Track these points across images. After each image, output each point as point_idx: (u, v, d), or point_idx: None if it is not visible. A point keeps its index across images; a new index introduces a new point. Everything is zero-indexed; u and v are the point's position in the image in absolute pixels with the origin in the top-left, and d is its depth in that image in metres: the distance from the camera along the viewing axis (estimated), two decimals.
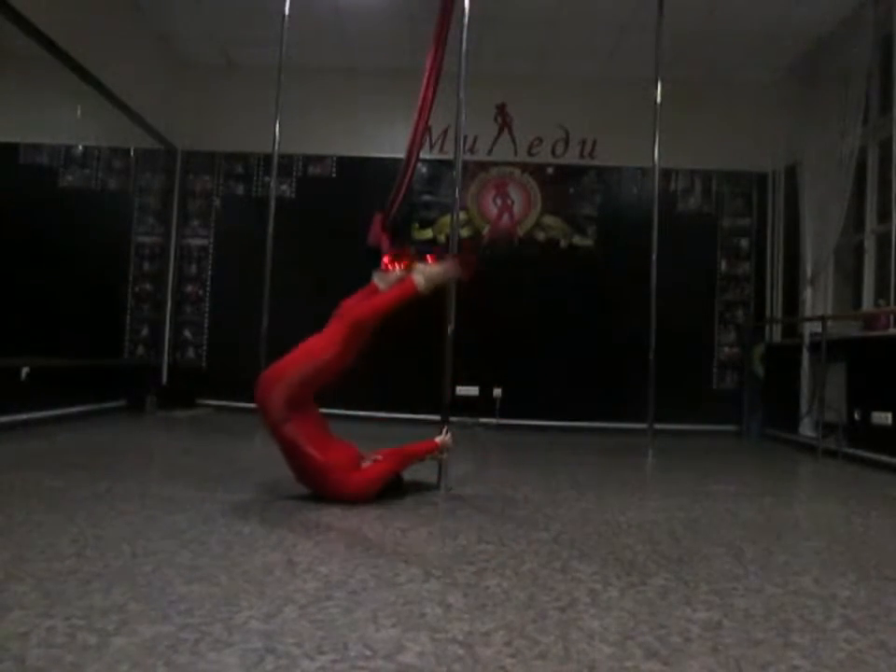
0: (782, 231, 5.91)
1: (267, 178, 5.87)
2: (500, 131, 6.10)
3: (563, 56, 5.70)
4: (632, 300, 5.33)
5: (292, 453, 2.44)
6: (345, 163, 6.08)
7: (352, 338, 2.45)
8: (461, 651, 1.27)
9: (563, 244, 6.05)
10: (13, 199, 4.23)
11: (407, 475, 2.71)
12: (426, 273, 2.51)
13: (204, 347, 6.11)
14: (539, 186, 6.07)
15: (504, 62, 5.75)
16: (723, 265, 6.08)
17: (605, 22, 5.15)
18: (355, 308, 2.53)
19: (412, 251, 2.59)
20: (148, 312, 5.92)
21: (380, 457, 2.53)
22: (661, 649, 1.31)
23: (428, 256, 2.57)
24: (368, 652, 1.24)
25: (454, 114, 3.07)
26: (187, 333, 6.13)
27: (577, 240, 6.05)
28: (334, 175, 6.11)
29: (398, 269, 2.51)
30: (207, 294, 6.14)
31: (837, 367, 4.65)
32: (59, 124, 4.73)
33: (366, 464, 2.48)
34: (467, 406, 5.53)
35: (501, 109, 6.09)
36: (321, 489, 2.49)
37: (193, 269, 6.15)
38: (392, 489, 2.58)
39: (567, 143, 6.08)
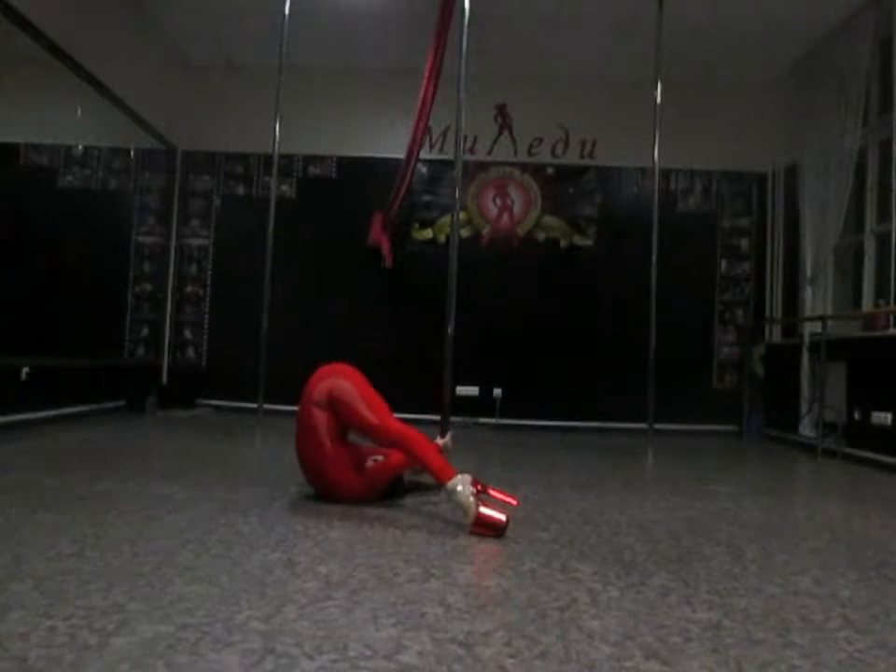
0: (782, 231, 5.91)
1: (267, 178, 5.87)
2: (500, 131, 6.10)
3: (563, 56, 5.70)
4: (632, 300, 5.34)
5: (308, 436, 2.40)
6: (345, 163, 6.09)
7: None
8: (461, 651, 1.27)
9: (563, 244, 6.05)
10: (13, 199, 4.23)
11: (407, 476, 2.71)
12: (460, 497, 2.13)
13: (204, 347, 6.11)
14: (539, 186, 6.07)
15: (504, 62, 5.75)
16: (723, 265, 6.08)
17: (605, 23, 5.15)
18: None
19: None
20: (148, 312, 5.92)
21: (381, 458, 2.50)
22: (661, 649, 1.32)
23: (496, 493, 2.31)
24: (368, 652, 1.24)
25: (454, 114, 3.07)
26: (187, 333, 6.13)
27: (577, 240, 6.05)
28: (334, 175, 6.11)
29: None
30: (207, 294, 6.14)
31: (837, 367, 4.65)
32: (59, 124, 4.73)
33: (369, 463, 2.46)
34: (467, 406, 5.53)
35: (501, 109, 6.09)
36: (319, 481, 2.46)
37: (193, 269, 6.15)
38: (393, 490, 2.57)
39: (566, 143, 6.08)
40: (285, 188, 6.04)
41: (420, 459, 2.24)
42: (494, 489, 2.33)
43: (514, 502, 2.32)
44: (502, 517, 2.07)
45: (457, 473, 2.15)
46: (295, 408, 2.51)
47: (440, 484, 2.16)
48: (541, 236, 6.06)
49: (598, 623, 1.44)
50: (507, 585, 1.65)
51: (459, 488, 2.10)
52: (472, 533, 2.09)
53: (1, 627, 1.27)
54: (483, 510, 2.08)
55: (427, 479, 2.61)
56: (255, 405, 4.62)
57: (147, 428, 4.74)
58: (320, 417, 2.36)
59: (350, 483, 2.41)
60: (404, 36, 5.44)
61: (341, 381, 2.38)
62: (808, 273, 5.29)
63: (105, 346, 5.48)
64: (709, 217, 6.09)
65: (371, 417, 2.30)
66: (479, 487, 2.24)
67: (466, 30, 3.12)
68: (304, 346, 5.84)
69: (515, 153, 6.09)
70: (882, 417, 4.19)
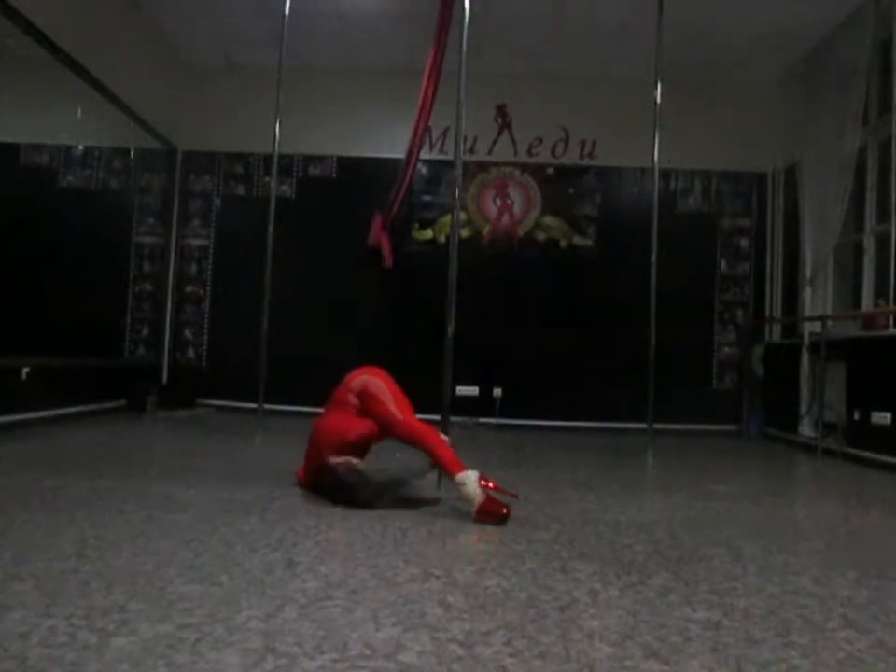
0: (782, 231, 5.91)
1: (267, 178, 5.87)
2: (500, 131, 6.10)
3: (563, 56, 5.70)
4: (632, 299, 5.34)
5: (338, 407, 2.64)
6: (345, 163, 6.09)
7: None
8: (461, 651, 1.27)
9: (563, 244, 6.05)
10: (13, 199, 4.23)
11: (406, 473, 2.71)
12: (467, 489, 2.33)
13: (204, 347, 6.12)
14: (539, 186, 6.07)
15: (504, 62, 5.75)
16: (723, 265, 6.08)
17: (605, 22, 5.15)
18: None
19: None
20: (148, 312, 5.92)
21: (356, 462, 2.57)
22: (661, 648, 1.32)
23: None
24: (368, 652, 1.24)
25: (454, 114, 3.07)
26: (187, 333, 6.13)
27: (577, 240, 6.05)
28: (334, 175, 6.11)
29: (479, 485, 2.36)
30: (207, 294, 6.14)
31: (837, 367, 4.65)
32: (59, 124, 4.73)
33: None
34: (467, 406, 5.53)
35: (501, 109, 6.09)
36: (335, 436, 2.56)
37: (193, 269, 6.15)
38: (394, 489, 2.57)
39: (566, 143, 6.08)
40: (285, 188, 6.04)
41: (434, 454, 2.47)
42: (499, 486, 2.41)
43: (516, 496, 2.44)
44: (503, 509, 2.28)
45: (466, 469, 2.37)
46: (295, 407, 2.53)
47: (450, 477, 2.39)
48: (541, 236, 6.06)
49: (598, 622, 1.44)
50: (507, 585, 1.65)
51: (467, 481, 2.33)
52: (476, 521, 2.28)
53: (1, 627, 1.27)
54: (487, 501, 2.29)
55: (425, 478, 2.62)
56: (255, 405, 4.62)
57: (148, 428, 4.74)
58: (353, 399, 2.64)
59: (365, 423, 2.58)
60: (404, 36, 5.44)
61: (376, 379, 2.67)
62: (808, 273, 5.29)
63: (105, 346, 5.48)
64: (709, 217, 6.09)
65: (396, 413, 2.58)
66: (485, 483, 2.37)
67: (466, 30, 3.11)
68: (304, 346, 5.84)
69: (515, 153, 6.09)
70: (882, 417, 4.19)
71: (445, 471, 2.43)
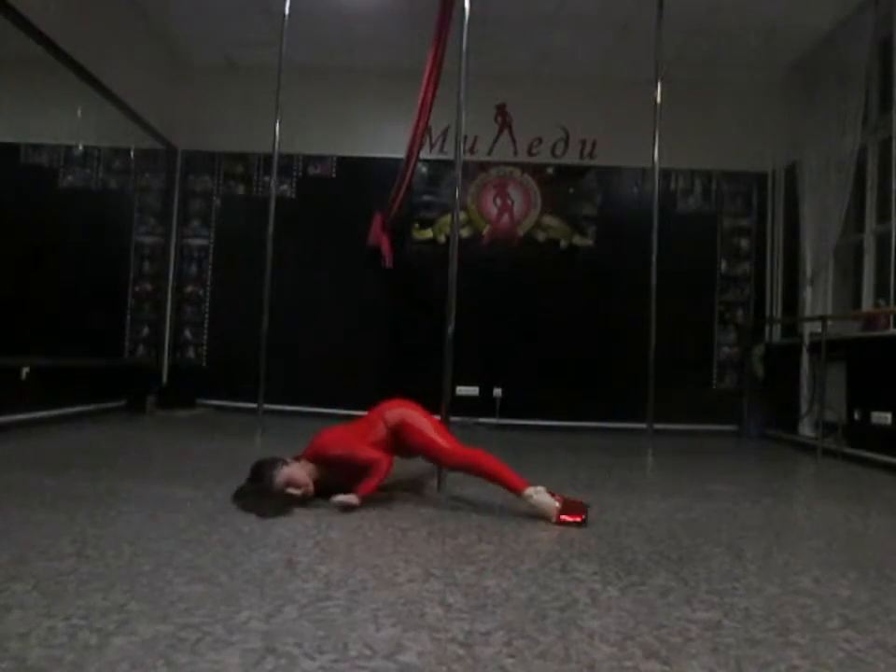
0: (782, 231, 5.91)
1: (267, 178, 5.87)
2: (500, 131, 6.09)
3: (563, 56, 5.70)
4: (632, 300, 5.34)
5: (367, 426, 2.67)
6: (345, 163, 6.08)
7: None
8: (461, 651, 1.27)
9: (563, 244, 6.05)
10: (13, 199, 4.23)
11: (406, 474, 2.70)
12: (539, 497, 2.41)
13: (204, 347, 6.11)
14: (539, 186, 6.07)
15: (504, 62, 5.74)
16: (723, 265, 6.08)
17: (605, 22, 5.15)
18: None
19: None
20: (148, 312, 5.92)
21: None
22: (661, 649, 1.32)
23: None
24: (368, 652, 1.24)
25: (454, 114, 3.07)
26: (187, 333, 6.13)
27: (577, 240, 6.05)
28: (334, 175, 6.11)
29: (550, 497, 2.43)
30: (207, 294, 6.14)
31: (837, 367, 4.65)
32: (59, 124, 4.72)
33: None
34: (467, 406, 5.53)
35: (501, 109, 6.08)
36: (349, 449, 2.56)
37: (193, 269, 6.15)
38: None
39: (566, 143, 6.08)
40: (285, 187, 6.04)
41: (495, 476, 2.51)
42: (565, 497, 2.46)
43: (586, 504, 2.46)
44: (581, 512, 2.34)
45: (530, 484, 2.43)
46: (295, 407, 2.52)
47: (517, 494, 2.43)
48: (541, 236, 6.06)
49: (598, 622, 1.44)
50: (507, 585, 1.65)
51: (535, 493, 2.40)
52: (558, 524, 2.31)
53: (1, 627, 1.27)
54: (564, 507, 2.35)
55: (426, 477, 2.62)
56: (255, 405, 4.62)
57: (147, 428, 4.74)
58: (383, 428, 2.65)
59: (353, 448, 2.54)
60: (404, 36, 5.43)
61: (413, 412, 2.69)
62: (808, 273, 5.28)
63: (105, 346, 5.47)
64: (709, 217, 6.08)
65: (443, 443, 2.61)
66: (553, 495, 2.43)
67: (466, 30, 3.11)
68: (304, 346, 5.84)
69: (515, 153, 6.08)
70: (882, 417, 4.19)
71: (511, 490, 2.45)
